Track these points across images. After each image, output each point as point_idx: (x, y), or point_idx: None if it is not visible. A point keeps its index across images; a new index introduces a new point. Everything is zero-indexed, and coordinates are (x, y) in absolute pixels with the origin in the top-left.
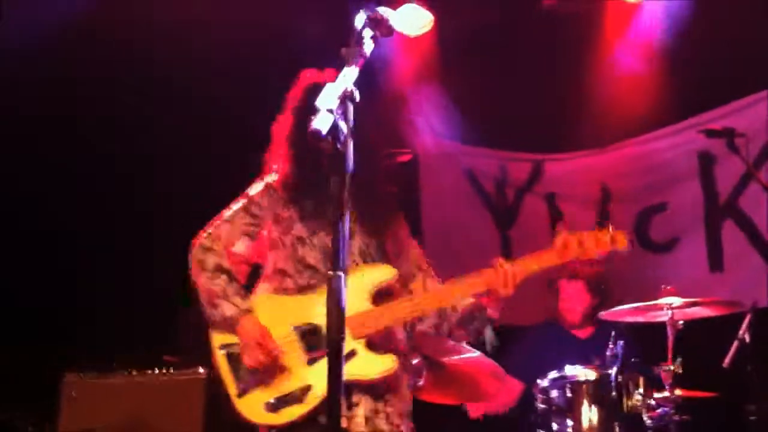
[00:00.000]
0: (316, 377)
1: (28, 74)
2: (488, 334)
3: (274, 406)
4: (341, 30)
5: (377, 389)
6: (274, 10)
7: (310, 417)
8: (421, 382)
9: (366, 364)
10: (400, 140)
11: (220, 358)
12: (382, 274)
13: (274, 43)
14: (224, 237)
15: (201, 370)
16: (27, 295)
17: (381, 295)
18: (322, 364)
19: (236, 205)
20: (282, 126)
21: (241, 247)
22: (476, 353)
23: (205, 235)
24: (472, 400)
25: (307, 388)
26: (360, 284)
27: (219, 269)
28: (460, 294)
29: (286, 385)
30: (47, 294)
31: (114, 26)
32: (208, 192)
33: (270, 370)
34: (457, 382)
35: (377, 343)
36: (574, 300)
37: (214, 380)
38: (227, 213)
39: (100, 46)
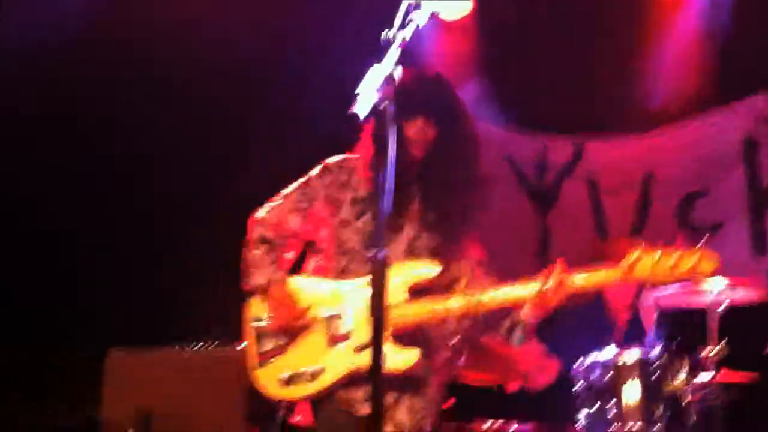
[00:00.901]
0: (331, 361)
1: (28, 74)
2: (517, 334)
3: (287, 382)
4: (341, 29)
5: (395, 380)
6: (274, 10)
7: (320, 399)
8: (461, 362)
9: (387, 356)
10: None
11: (249, 330)
12: (425, 269)
13: (274, 43)
14: (276, 211)
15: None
16: (27, 295)
17: (420, 291)
18: (338, 350)
19: (296, 183)
20: None
21: (293, 223)
22: None
23: (261, 208)
24: (512, 379)
25: (320, 371)
26: (400, 275)
27: (261, 239)
28: (499, 305)
29: (302, 362)
30: (47, 294)
31: (114, 26)
32: (208, 192)
33: (292, 334)
34: (497, 362)
35: (404, 337)
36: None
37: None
38: (286, 189)
39: (100, 46)
